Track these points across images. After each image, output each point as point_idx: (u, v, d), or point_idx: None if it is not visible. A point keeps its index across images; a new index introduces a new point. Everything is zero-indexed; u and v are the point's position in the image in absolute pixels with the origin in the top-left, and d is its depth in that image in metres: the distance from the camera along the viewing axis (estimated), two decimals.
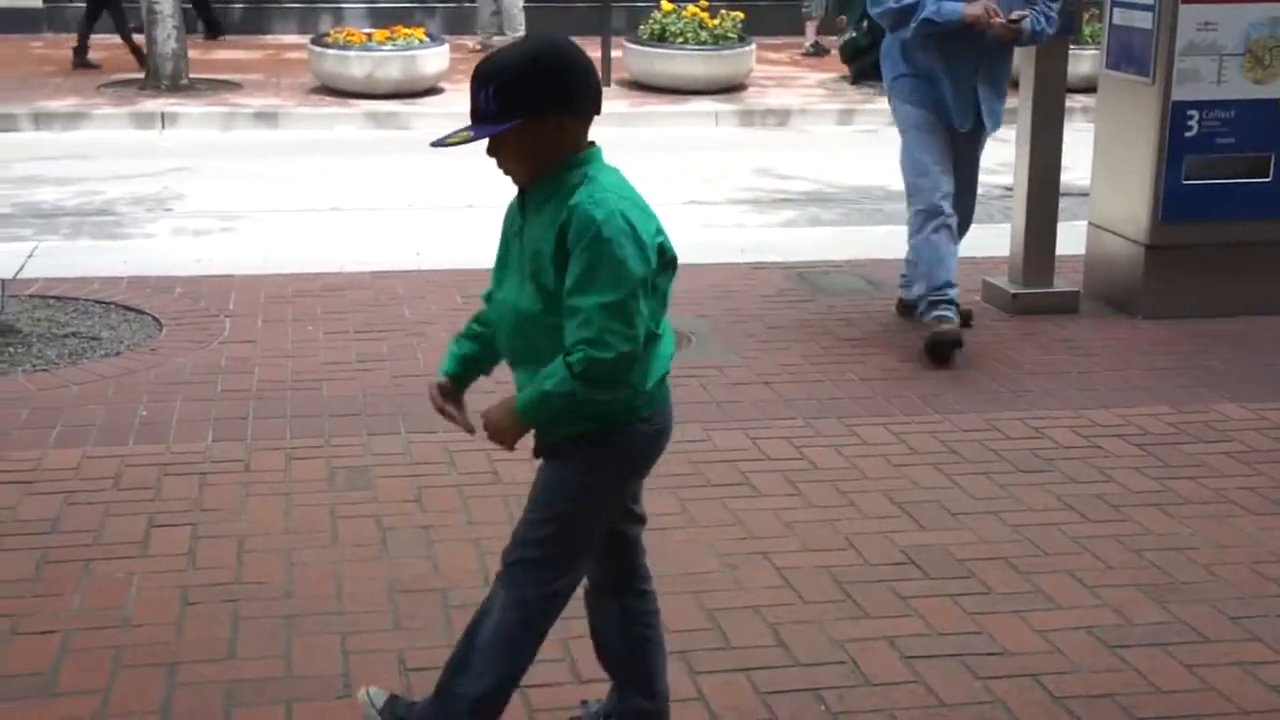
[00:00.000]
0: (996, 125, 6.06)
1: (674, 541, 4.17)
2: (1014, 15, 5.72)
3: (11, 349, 5.77)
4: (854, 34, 6.58)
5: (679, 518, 4.35)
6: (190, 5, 16.11)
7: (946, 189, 5.93)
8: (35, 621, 3.63)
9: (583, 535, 2.89)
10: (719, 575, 3.98)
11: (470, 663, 2.93)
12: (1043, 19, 5.84)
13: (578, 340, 2.66)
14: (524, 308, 2.80)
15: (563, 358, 2.69)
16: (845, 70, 15.27)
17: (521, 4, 16.04)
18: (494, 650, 2.90)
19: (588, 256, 2.66)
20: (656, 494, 4.48)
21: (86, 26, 14.83)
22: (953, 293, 5.86)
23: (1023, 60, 6.50)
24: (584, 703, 3.27)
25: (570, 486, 2.85)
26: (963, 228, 6.20)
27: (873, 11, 5.96)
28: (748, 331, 6.25)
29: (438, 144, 2.76)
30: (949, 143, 5.97)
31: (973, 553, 4.14)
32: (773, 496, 4.53)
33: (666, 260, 2.79)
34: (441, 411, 2.95)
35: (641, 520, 3.08)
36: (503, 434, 2.81)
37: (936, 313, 5.82)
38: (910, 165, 6.02)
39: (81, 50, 14.76)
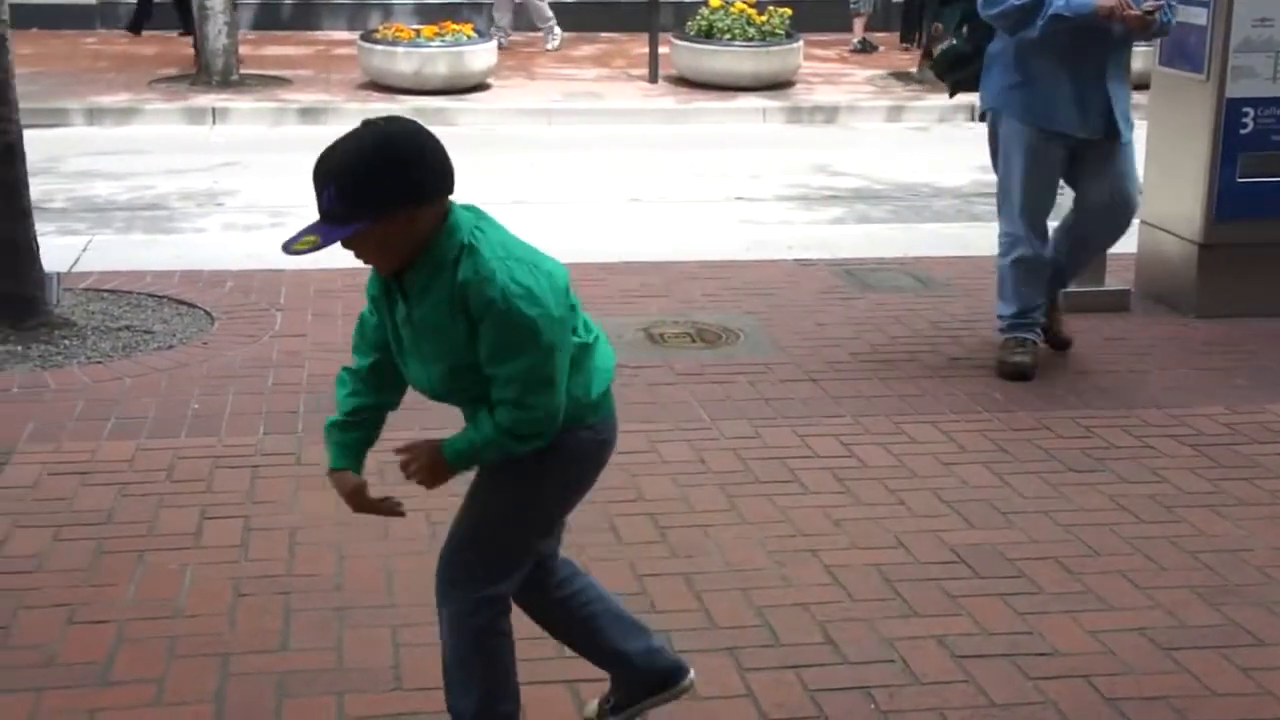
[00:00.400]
0: (1131, 125, 5.60)
1: (722, 538, 4.17)
2: (1147, 5, 5.30)
3: (67, 341, 5.83)
4: (953, 42, 5.80)
5: (728, 514, 4.35)
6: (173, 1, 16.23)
7: (1039, 216, 5.65)
8: (91, 611, 3.67)
9: (518, 544, 2.87)
10: (767, 572, 3.98)
11: (454, 681, 2.92)
12: (1169, 10, 5.47)
13: (501, 400, 2.67)
14: (443, 376, 2.77)
15: (489, 414, 2.70)
16: (893, 66, 15.29)
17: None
18: (461, 666, 2.89)
19: (494, 330, 2.64)
20: (705, 490, 4.51)
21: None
22: (1036, 314, 5.73)
23: None
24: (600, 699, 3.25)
25: (511, 494, 2.82)
26: (1120, 230, 5.82)
27: (987, 14, 5.43)
28: (795, 329, 6.24)
29: (287, 249, 2.62)
30: (1057, 164, 5.59)
31: (1023, 552, 4.12)
32: (821, 494, 4.52)
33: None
34: (366, 508, 2.89)
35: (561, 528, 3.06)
36: (430, 475, 2.79)
37: (1015, 335, 5.68)
38: (1008, 185, 5.65)
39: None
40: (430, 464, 2.79)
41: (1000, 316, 5.78)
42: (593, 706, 3.23)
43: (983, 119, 5.87)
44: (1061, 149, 5.58)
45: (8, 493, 4.38)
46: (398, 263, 2.70)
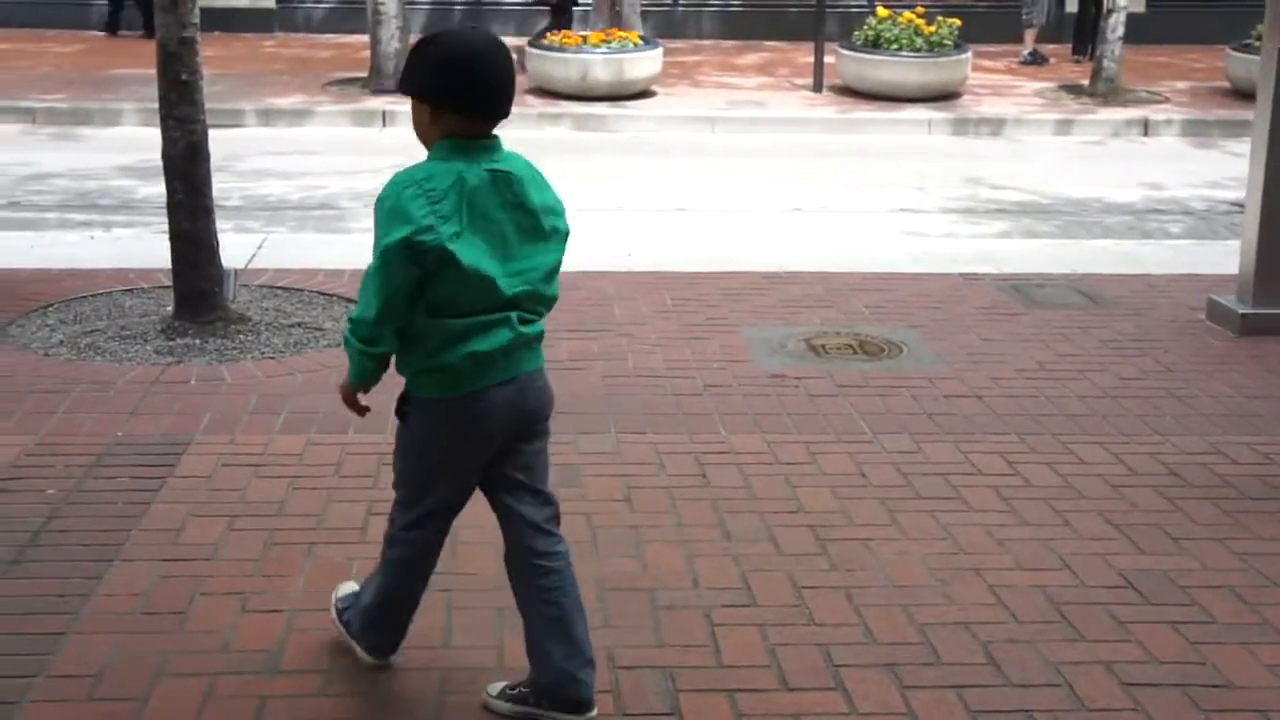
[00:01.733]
0: None
1: (883, 553, 4.13)
2: None
3: (242, 336, 6.00)
4: None
5: (889, 529, 4.30)
6: (134, 4, 16.64)
7: None
8: (263, 600, 3.77)
9: (419, 486, 3.25)
10: (929, 589, 3.92)
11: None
12: None
13: None
14: None
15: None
16: (1064, 79, 14.97)
17: (639, 8, 15.78)
18: (373, 572, 3.40)
19: None
20: (866, 503, 4.47)
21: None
22: None
23: (1261, 69, 6.26)
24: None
25: (402, 444, 3.26)
26: None
27: None
28: (960, 343, 6.15)
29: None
30: None
31: (1196, 580, 4.00)
32: (984, 512, 4.45)
33: (433, 258, 2.94)
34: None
35: (535, 494, 3.28)
36: (345, 398, 3.24)
37: None
38: None
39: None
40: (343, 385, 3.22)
41: None
42: (497, 687, 3.34)
43: None
44: None
45: (185, 482, 4.52)
46: (425, 146, 3.07)
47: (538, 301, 3.13)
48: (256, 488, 4.49)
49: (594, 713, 3.22)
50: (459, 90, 2.99)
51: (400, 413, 3.20)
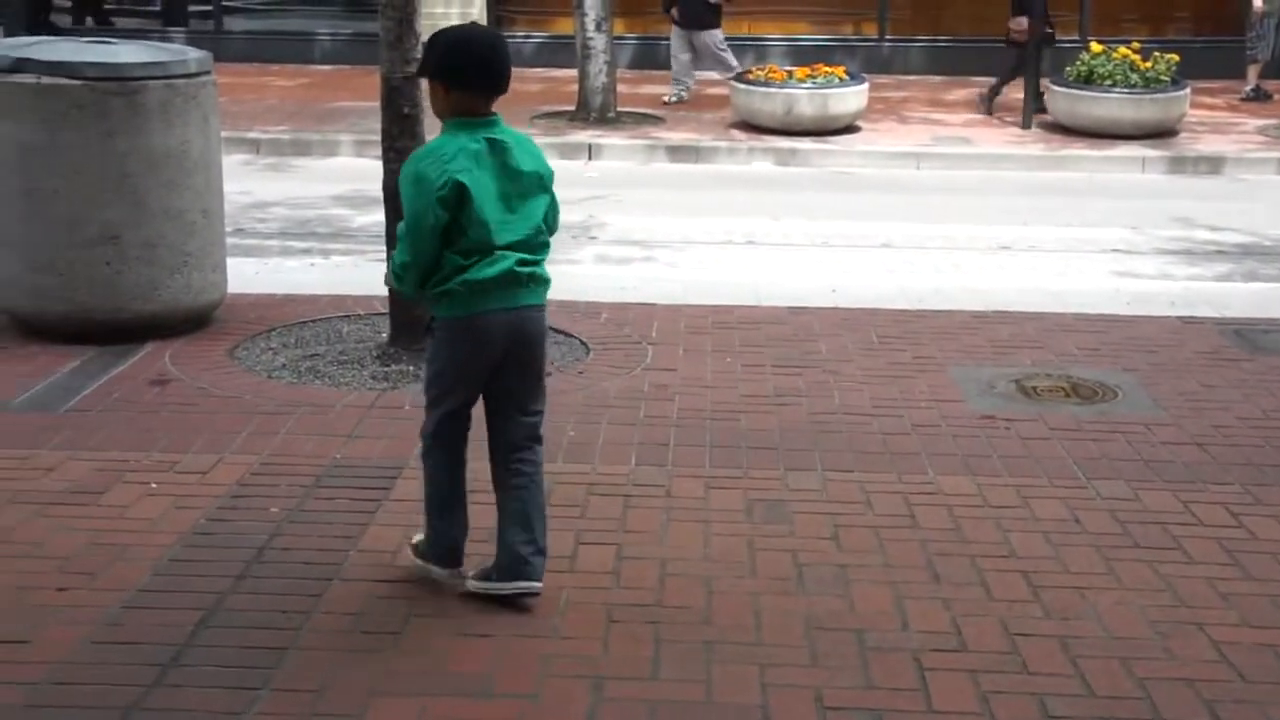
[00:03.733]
0: None
1: (1099, 602, 4.01)
2: None
3: None
4: None
5: (1105, 578, 4.18)
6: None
7: None
8: (475, 624, 3.82)
9: (438, 390, 3.95)
10: (1149, 643, 3.79)
11: None
12: None
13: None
14: None
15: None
16: None
17: (719, 47, 15.32)
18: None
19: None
20: (1080, 550, 4.36)
21: (1006, 79, 14.81)
22: None
23: None
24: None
25: (428, 355, 3.97)
26: None
27: None
28: (1178, 389, 5.96)
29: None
30: None
31: None
32: (1206, 564, 4.29)
33: (454, 199, 3.69)
34: None
35: (523, 411, 3.99)
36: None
37: None
38: None
39: (991, 96, 14.93)
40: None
41: None
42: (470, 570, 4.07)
43: None
44: None
45: (400, 505, 4.63)
46: (441, 121, 3.84)
47: (533, 248, 3.84)
48: (469, 513, 4.56)
49: (538, 585, 3.91)
50: (462, 68, 3.73)
51: (428, 329, 3.92)
